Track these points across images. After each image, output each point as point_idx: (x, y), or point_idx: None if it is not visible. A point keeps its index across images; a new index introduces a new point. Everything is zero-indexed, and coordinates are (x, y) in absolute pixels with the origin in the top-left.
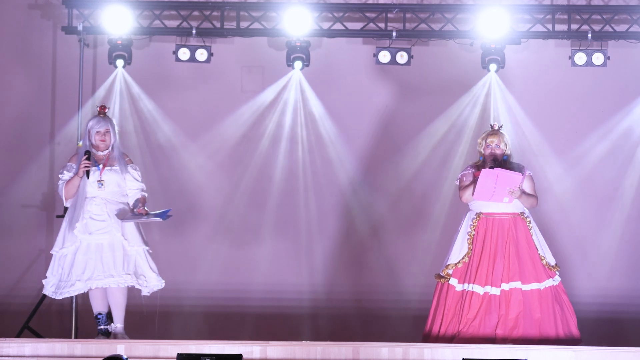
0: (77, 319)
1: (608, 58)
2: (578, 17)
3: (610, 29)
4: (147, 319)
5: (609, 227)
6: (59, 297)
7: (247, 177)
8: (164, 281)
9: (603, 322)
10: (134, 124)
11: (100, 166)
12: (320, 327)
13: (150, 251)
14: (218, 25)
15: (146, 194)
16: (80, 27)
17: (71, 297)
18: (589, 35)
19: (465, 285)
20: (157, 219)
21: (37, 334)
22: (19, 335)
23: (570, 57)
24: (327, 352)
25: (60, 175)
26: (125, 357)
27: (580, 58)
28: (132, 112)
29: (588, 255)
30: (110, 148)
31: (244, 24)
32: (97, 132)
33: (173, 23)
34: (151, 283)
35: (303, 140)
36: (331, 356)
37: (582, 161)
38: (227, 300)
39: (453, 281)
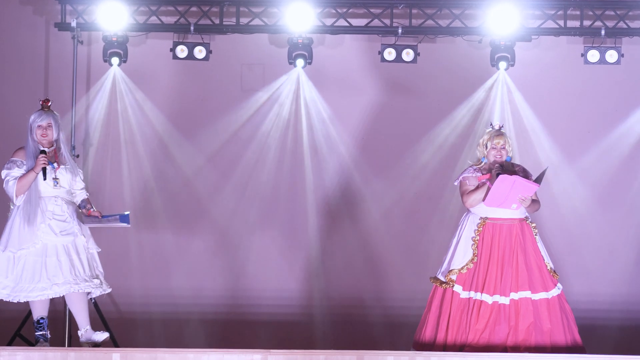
0: (70, 327)
1: (622, 55)
2: (591, 12)
3: (625, 26)
4: (142, 326)
5: (625, 232)
6: (15, 301)
7: (246, 177)
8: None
9: (606, 329)
10: (128, 125)
11: (55, 164)
12: (320, 334)
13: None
14: (217, 21)
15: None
16: (73, 24)
17: (64, 305)
18: (602, 32)
19: (472, 293)
20: (124, 224)
21: (29, 342)
22: (10, 343)
23: (582, 55)
24: None
25: (6, 172)
26: None
27: (593, 55)
28: (127, 112)
29: (590, 260)
30: (54, 144)
31: (243, 20)
32: (39, 125)
33: (170, 19)
34: (102, 286)
35: (304, 141)
36: None
37: (594, 163)
38: (223, 307)
39: (457, 288)
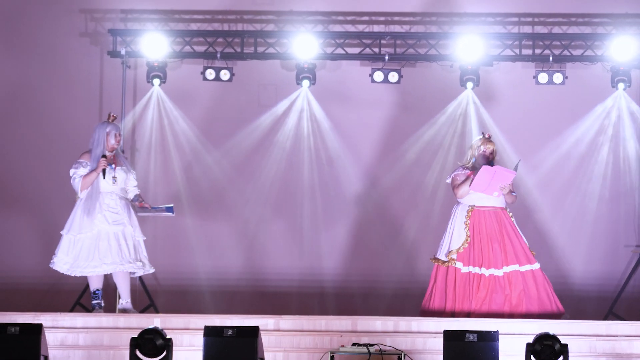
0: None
1: (566, 77)
2: (541, 43)
3: (568, 53)
4: (177, 296)
5: (564, 220)
6: (72, 275)
7: (262, 178)
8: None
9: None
10: (167, 134)
11: (113, 165)
12: (323, 303)
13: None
14: (239, 50)
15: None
16: (123, 52)
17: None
18: (550, 59)
19: (471, 267)
20: (169, 214)
21: (87, 309)
22: (72, 310)
23: (534, 77)
24: (330, 325)
25: (74, 170)
26: (160, 328)
27: (543, 77)
28: (165, 123)
29: (547, 243)
30: (114, 150)
31: (260, 49)
32: (114, 134)
33: (201, 48)
34: (145, 268)
35: (310, 145)
36: (333, 328)
37: (542, 164)
38: (243, 281)
39: (459, 264)
